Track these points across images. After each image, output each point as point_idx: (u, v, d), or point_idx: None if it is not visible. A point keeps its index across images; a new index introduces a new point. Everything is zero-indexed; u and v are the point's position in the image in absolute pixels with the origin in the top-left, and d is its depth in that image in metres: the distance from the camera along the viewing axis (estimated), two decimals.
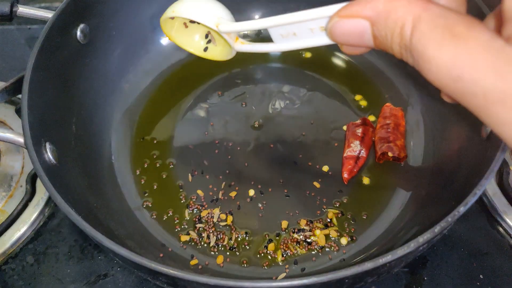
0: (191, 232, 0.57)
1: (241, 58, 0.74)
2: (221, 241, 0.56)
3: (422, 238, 0.36)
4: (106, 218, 0.53)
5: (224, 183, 0.61)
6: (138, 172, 0.63)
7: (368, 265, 0.35)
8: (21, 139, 0.46)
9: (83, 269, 0.58)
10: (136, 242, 0.53)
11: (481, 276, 0.56)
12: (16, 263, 0.59)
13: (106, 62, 0.66)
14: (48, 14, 0.55)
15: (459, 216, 0.38)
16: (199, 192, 0.61)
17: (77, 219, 0.40)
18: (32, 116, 0.48)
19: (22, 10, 0.56)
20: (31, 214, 0.61)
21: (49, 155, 0.48)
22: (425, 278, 0.56)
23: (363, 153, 0.62)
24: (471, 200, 0.38)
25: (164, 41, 0.73)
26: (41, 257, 0.59)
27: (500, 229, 0.59)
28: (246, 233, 0.57)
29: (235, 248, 0.56)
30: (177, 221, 0.58)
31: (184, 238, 0.56)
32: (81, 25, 0.59)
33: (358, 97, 0.69)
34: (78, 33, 0.59)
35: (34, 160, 0.43)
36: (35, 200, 0.63)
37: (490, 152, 0.45)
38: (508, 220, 0.59)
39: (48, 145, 0.49)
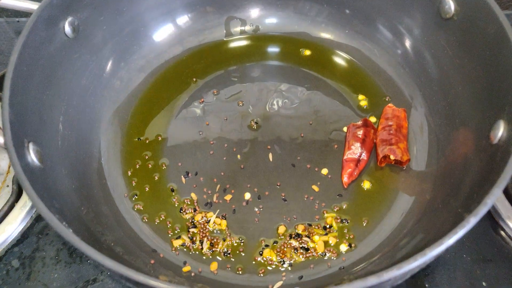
0: (183, 236, 0.54)
1: (238, 54, 0.72)
2: (215, 246, 0.54)
3: (430, 251, 0.34)
4: (93, 223, 0.51)
5: (219, 185, 0.59)
6: (129, 174, 0.60)
7: (373, 280, 0.32)
8: (1, 139, 0.43)
9: (71, 274, 0.55)
10: (125, 248, 0.51)
11: (484, 284, 0.54)
12: (1, 267, 0.56)
13: (96, 58, 0.63)
14: (33, 6, 0.52)
15: (470, 227, 0.36)
16: (193, 195, 0.58)
17: (60, 227, 0.37)
18: (13, 114, 0.45)
19: (5, 1, 0.52)
20: (18, 216, 0.59)
21: (32, 156, 0.46)
22: (427, 285, 0.54)
23: (364, 156, 0.59)
24: (482, 210, 0.36)
25: (157, 37, 0.70)
26: (27, 261, 0.56)
27: (504, 235, 0.57)
28: (241, 238, 0.55)
29: (229, 253, 0.53)
30: (170, 225, 0.56)
31: (176, 243, 0.54)
32: (69, 18, 0.56)
33: (359, 97, 0.66)
34: (66, 26, 0.56)
35: (14, 162, 0.41)
36: (22, 201, 0.60)
37: (500, 157, 0.43)
38: None
39: (31, 146, 0.46)
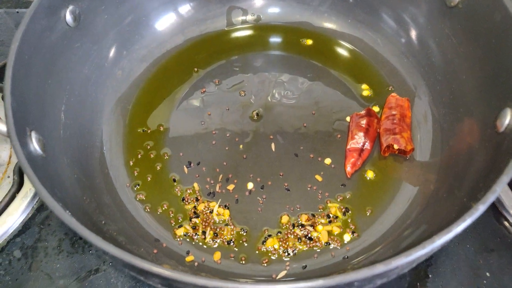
0: (185, 225, 0.54)
1: (240, 44, 0.72)
2: (218, 236, 0.54)
3: (438, 238, 0.34)
4: (96, 212, 0.50)
5: (221, 175, 0.59)
6: (131, 163, 0.60)
7: (380, 268, 0.32)
8: (3, 128, 0.43)
9: (73, 264, 0.55)
10: (128, 238, 0.51)
11: (487, 274, 0.53)
12: (3, 257, 0.56)
13: (97, 48, 0.62)
14: None
15: (478, 215, 0.35)
16: (195, 185, 0.58)
17: (63, 214, 0.37)
18: (16, 103, 0.44)
19: None
20: (19, 206, 0.59)
21: (34, 145, 0.45)
22: (430, 276, 0.54)
23: (368, 146, 0.59)
24: (490, 197, 0.36)
25: (160, 25, 0.70)
26: (29, 251, 0.56)
27: (507, 225, 0.57)
28: (244, 228, 0.54)
29: (233, 242, 0.53)
30: (172, 215, 0.56)
31: (179, 232, 0.54)
32: (70, 7, 0.56)
33: (362, 86, 0.66)
34: (67, 15, 0.56)
35: (17, 150, 0.40)
36: (23, 191, 0.60)
37: (507, 145, 0.42)
38: None
39: (33, 134, 0.46)
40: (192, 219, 0.55)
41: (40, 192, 0.38)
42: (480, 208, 0.35)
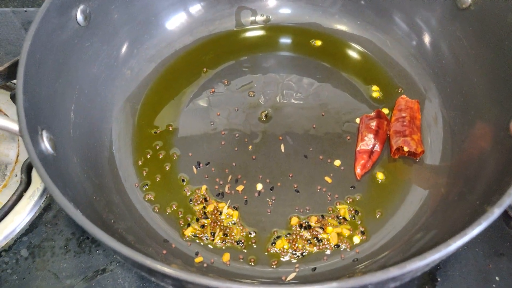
0: (194, 225, 0.54)
1: (249, 45, 0.72)
2: (227, 237, 0.53)
3: (453, 242, 0.34)
4: (105, 211, 0.50)
5: (230, 176, 0.58)
6: (140, 163, 0.60)
7: (395, 271, 0.32)
8: (16, 127, 0.43)
9: (80, 264, 0.55)
10: (137, 238, 0.50)
11: (497, 278, 0.53)
12: (10, 256, 0.56)
13: (107, 47, 0.62)
14: None
15: (494, 218, 0.35)
16: (205, 185, 0.58)
17: (75, 213, 0.37)
18: (27, 102, 0.44)
19: None
20: (26, 205, 0.59)
21: (46, 143, 0.45)
22: (439, 279, 0.53)
23: (377, 147, 0.59)
24: (506, 200, 0.35)
25: (169, 25, 0.70)
26: (36, 250, 0.56)
27: None
28: (253, 229, 0.54)
29: (242, 243, 0.53)
30: (181, 215, 0.55)
31: (188, 232, 0.54)
32: (81, 6, 0.56)
33: (372, 88, 0.66)
34: (78, 14, 0.56)
35: (29, 149, 0.40)
36: (30, 190, 0.60)
37: None
38: None
39: (45, 133, 0.46)
40: (201, 220, 0.55)
41: (53, 191, 0.38)
42: (496, 212, 0.35)
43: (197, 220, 0.55)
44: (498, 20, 0.51)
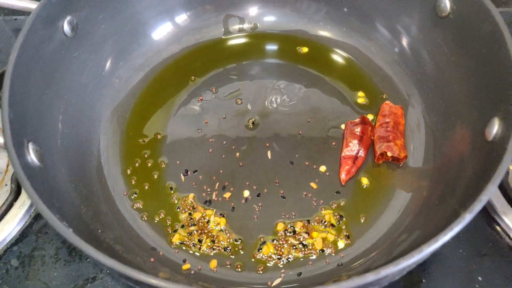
0: (182, 233, 0.55)
1: (236, 53, 0.72)
2: (215, 244, 0.54)
3: (426, 248, 0.34)
4: (93, 221, 0.51)
5: (218, 183, 0.59)
6: (128, 172, 0.60)
7: (371, 277, 0.33)
8: (1, 139, 0.43)
9: (70, 272, 0.55)
10: (124, 246, 0.51)
11: (479, 278, 0.54)
12: (0, 266, 0.56)
13: (95, 57, 0.63)
14: (32, 5, 0.52)
15: (464, 224, 0.36)
16: (192, 193, 0.58)
17: (60, 226, 0.38)
18: (13, 113, 0.45)
19: (3, 0, 0.52)
20: (16, 215, 0.59)
21: (32, 156, 0.46)
22: (423, 280, 0.54)
23: (362, 153, 0.60)
24: (477, 207, 0.36)
25: (157, 34, 0.70)
26: (27, 259, 0.56)
27: (499, 229, 0.58)
28: (240, 236, 0.55)
29: (229, 249, 0.54)
30: (169, 223, 0.56)
31: (175, 239, 0.54)
32: (68, 17, 0.56)
33: (357, 94, 0.67)
34: (65, 25, 0.56)
35: (14, 162, 0.41)
36: (21, 199, 0.60)
37: (495, 155, 0.43)
38: (507, 221, 0.57)
39: (31, 145, 0.47)
40: (189, 228, 0.55)
41: (37, 204, 0.38)
42: (467, 217, 0.36)
43: (183, 226, 0.55)
44: (475, 29, 0.52)
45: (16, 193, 0.60)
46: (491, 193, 0.38)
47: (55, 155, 0.53)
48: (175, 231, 0.55)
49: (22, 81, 0.49)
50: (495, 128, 0.46)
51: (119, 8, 0.64)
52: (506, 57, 0.47)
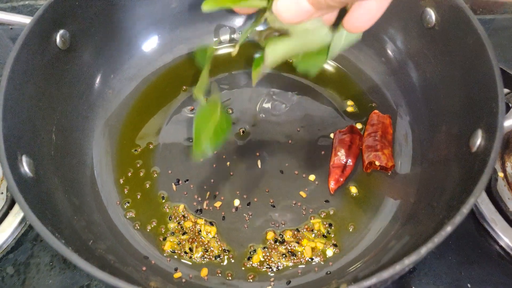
0: (172, 241, 0.56)
1: (227, 62, 0.73)
2: (205, 253, 0.55)
3: (407, 260, 0.36)
4: (85, 232, 0.52)
5: (208, 192, 0.60)
6: (121, 182, 0.61)
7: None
8: None
9: (65, 280, 0.56)
10: (117, 256, 0.52)
11: (469, 285, 0.55)
12: None
13: (88, 68, 0.64)
14: (26, 20, 0.53)
15: (446, 235, 0.37)
16: (183, 204, 0.59)
17: (52, 239, 0.38)
18: (7, 128, 0.46)
19: None
20: (12, 223, 0.60)
21: (25, 168, 0.47)
22: (413, 287, 0.55)
23: (350, 162, 0.61)
24: (458, 219, 0.37)
25: (148, 46, 0.71)
26: (22, 267, 0.57)
27: (488, 237, 0.58)
28: (230, 245, 0.56)
29: (219, 257, 0.55)
30: (161, 231, 0.57)
31: (167, 247, 0.55)
32: (61, 31, 0.57)
33: (346, 103, 0.68)
34: (58, 39, 0.57)
35: (7, 175, 0.42)
36: (16, 207, 0.61)
37: (477, 166, 0.44)
38: (496, 228, 0.58)
39: (24, 158, 0.47)
40: (180, 236, 0.56)
41: (29, 217, 0.39)
42: (448, 229, 0.37)
43: (173, 234, 0.56)
44: (459, 41, 0.53)
45: (11, 201, 0.61)
46: (472, 206, 0.39)
47: (48, 166, 0.53)
48: (165, 238, 0.56)
49: (16, 95, 0.50)
50: (478, 139, 0.47)
51: (110, 21, 0.65)
52: (489, 70, 0.48)
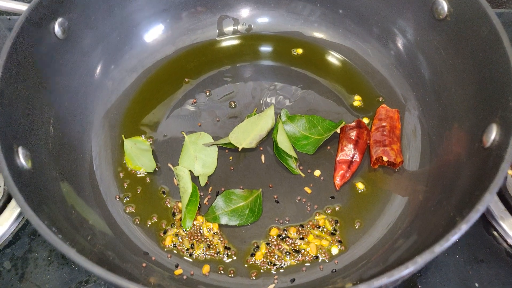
0: (171, 234, 0.54)
1: (231, 54, 0.72)
2: (208, 249, 0.54)
3: (421, 259, 0.34)
4: (83, 227, 0.50)
5: (211, 187, 0.59)
6: (121, 175, 0.60)
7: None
8: None
9: (63, 275, 0.55)
10: (116, 252, 0.51)
11: (476, 284, 0.54)
12: None
13: (88, 59, 0.62)
14: (22, 7, 0.51)
15: (461, 234, 0.36)
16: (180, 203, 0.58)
17: (48, 234, 0.37)
18: (3, 119, 0.44)
19: None
20: (9, 217, 0.59)
21: (21, 160, 0.45)
22: (419, 286, 0.54)
23: (357, 158, 0.59)
24: (473, 217, 0.36)
25: (149, 37, 0.70)
26: (19, 262, 0.56)
27: (496, 235, 0.57)
28: (233, 241, 0.54)
29: (222, 255, 0.53)
30: (161, 227, 0.56)
31: (167, 242, 0.54)
32: (59, 19, 0.56)
33: (353, 97, 0.66)
34: (56, 27, 0.55)
35: (2, 167, 0.40)
36: (14, 201, 0.60)
37: (492, 162, 0.42)
38: (504, 226, 0.57)
39: (21, 150, 0.46)
40: (181, 232, 0.55)
41: (25, 211, 0.38)
42: (463, 228, 0.35)
43: (172, 225, 0.55)
44: (473, 32, 0.51)
45: (9, 195, 0.60)
46: (488, 203, 0.37)
47: (46, 158, 0.52)
48: (165, 232, 0.55)
49: (12, 84, 0.48)
50: (492, 134, 0.45)
51: (111, 10, 0.63)
52: (504, 61, 0.46)
